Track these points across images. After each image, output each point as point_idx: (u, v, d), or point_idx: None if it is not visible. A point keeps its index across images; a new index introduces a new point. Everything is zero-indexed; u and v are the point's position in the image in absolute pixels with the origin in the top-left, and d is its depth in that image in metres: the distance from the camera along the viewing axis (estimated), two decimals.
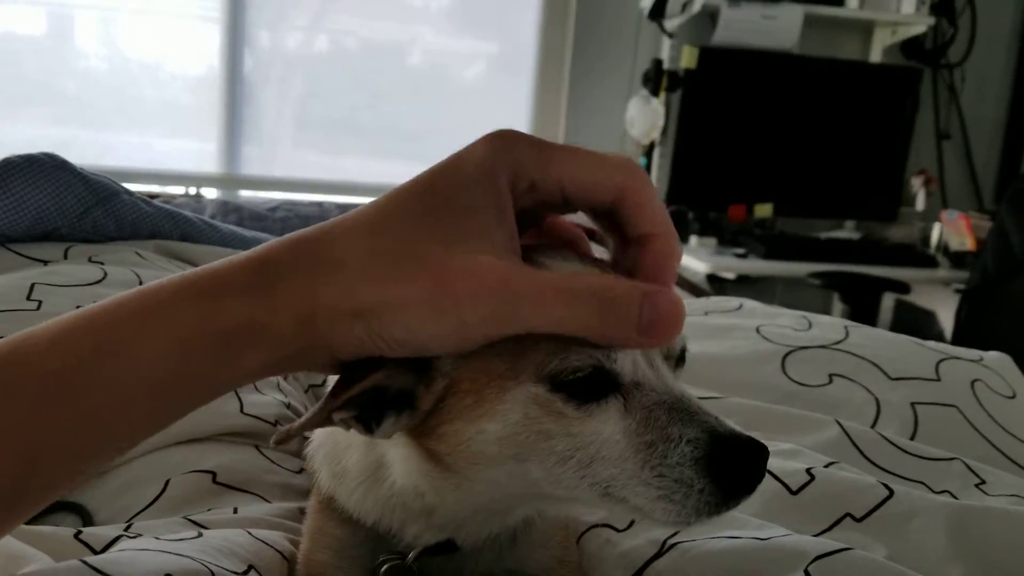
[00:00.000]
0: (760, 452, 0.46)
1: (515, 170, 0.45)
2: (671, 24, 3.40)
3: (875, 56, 3.68)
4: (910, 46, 3.69)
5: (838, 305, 3.10)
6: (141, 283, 0.97)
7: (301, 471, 0.85)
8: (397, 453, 0.50)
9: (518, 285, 0.43)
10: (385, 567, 0.57)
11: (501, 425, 0.45)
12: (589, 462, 0.46)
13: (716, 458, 0.45)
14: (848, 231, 3.71)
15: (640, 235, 0.47)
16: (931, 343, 1.11)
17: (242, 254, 0.45)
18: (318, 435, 0.59)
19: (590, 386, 0.45)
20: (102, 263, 1.00)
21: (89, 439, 0.42)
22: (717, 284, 3.03)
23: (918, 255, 3.28)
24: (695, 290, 1.55)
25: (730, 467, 0.45)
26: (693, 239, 3.22)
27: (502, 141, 0.46)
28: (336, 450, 0.56)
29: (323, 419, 0.46)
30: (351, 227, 0.44)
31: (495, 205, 0.44)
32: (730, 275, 3.00)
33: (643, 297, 0.43)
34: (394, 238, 0.43)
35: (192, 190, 3.19)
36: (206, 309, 0.42)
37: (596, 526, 0.69)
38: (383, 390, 0.46)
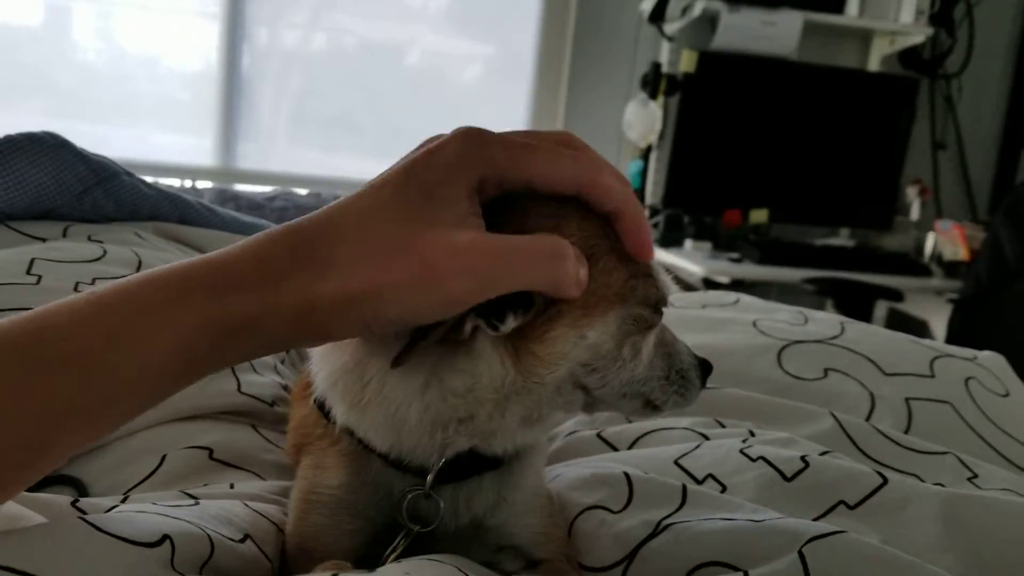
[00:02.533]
0: (710, 365, 0.66)
1: (487, 169, 0.50)
2: (671, 28, 3.41)
3: (873, 65, 3.70)
4: (908, 56, 3.71)
5: (832, 311, 3.11)
6: (141, 263, 0.97)
7: None
8: (475, 357, 0.54)
9: (491, 256, 0.49)
10: (409, 496, 0.60)
11: (599, 333, 0.55)
12: (636, 365, 0.59)
13: (700, 366, 0.65)
14: (843, 238, 3.73)
15: (609, 212, 0.54)
16: (926, 341, 1.12)
17: (244, 247, 0.48)
18: (325, 375, 0.59)
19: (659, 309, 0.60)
20: (101, 242, 1.00)
21: (102, 411, 0.46)
22: (711, 288, 3.04)
23: (912, 264, 3.29)
24: (690, 290, 1.56)
25: (702, 372, 0.65)
26: (688, 243, 3.23)
27: (473, 140, 0.51)
28: (359, 380, 0.56)
29: (453, 327, 0.51)
30: (340, 221, 0.49)
31: (467, 198, 0.50)
32: (724, 279, 3.01)
33: (579, 257, 0.52)
34: (379, 228, 0.48)
35: (188, 182, 3.19)
36: (214, 304, 0.46)
37: (591, 508, 0.69)
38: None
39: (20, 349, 0.44)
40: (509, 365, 0.54)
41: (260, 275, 0.47)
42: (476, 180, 0.50)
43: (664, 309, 0.60)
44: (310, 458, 0.64)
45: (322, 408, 0.62)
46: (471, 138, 0.51)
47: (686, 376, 0.63)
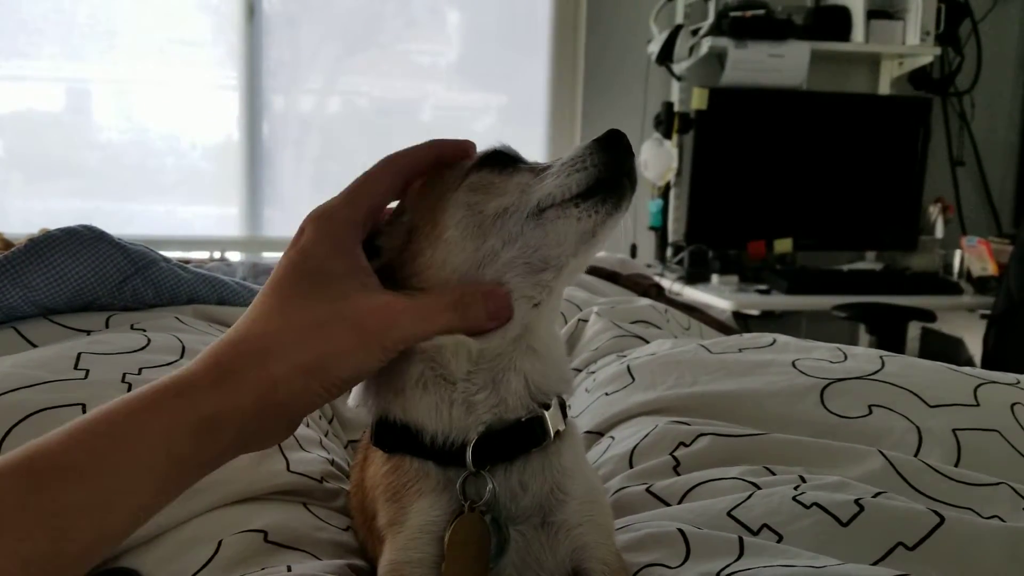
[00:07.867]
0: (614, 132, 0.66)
1: (345, 229, 0.61)
2: (679, 67, 3.45)
3: (884, 88, 3.72)
4: (918, 76, 3.72)
5: (865, 336, 3.08)
6: (184, 349, 0.99)
7: (348, 528, 0.85)
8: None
9: (407, 314, 0.60)
10: (460, 477, 0.63)
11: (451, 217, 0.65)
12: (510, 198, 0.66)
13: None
14: (869, 262, 3.71)
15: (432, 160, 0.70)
16: (967, 368, 1.10)
17: (197, 360, 0.56)
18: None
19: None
20: (144, 330, 1.01)
21: (105, 512, 0.51)
22: (741, 321, 3.02)
23: (941, 282, 3.27)
24: (724, 328, 1.55)
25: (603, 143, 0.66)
26: (715, 278, 3.21)
27: (323, 218, 0.61)
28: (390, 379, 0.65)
29: None
30: (264, 321, 0.58)
31: (354, 265, 0.60)
32: (755, 312, 2.99)
33: (485, 296, 0.61)
34: (301, 314, 0.57)
35: (216, 254, 3.23)
36: (182, 405, 0.53)
37: (649, 566, 0.69)
38: None
39: (16, 468, 0.49)
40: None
41: (215, 376, 0.55)
42: (346, 242, 0.60)
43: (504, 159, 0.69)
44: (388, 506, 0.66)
45: (376, 433, 0.67)
46: (321, 218, 0.61)
47: (573, 160, 0.63)
